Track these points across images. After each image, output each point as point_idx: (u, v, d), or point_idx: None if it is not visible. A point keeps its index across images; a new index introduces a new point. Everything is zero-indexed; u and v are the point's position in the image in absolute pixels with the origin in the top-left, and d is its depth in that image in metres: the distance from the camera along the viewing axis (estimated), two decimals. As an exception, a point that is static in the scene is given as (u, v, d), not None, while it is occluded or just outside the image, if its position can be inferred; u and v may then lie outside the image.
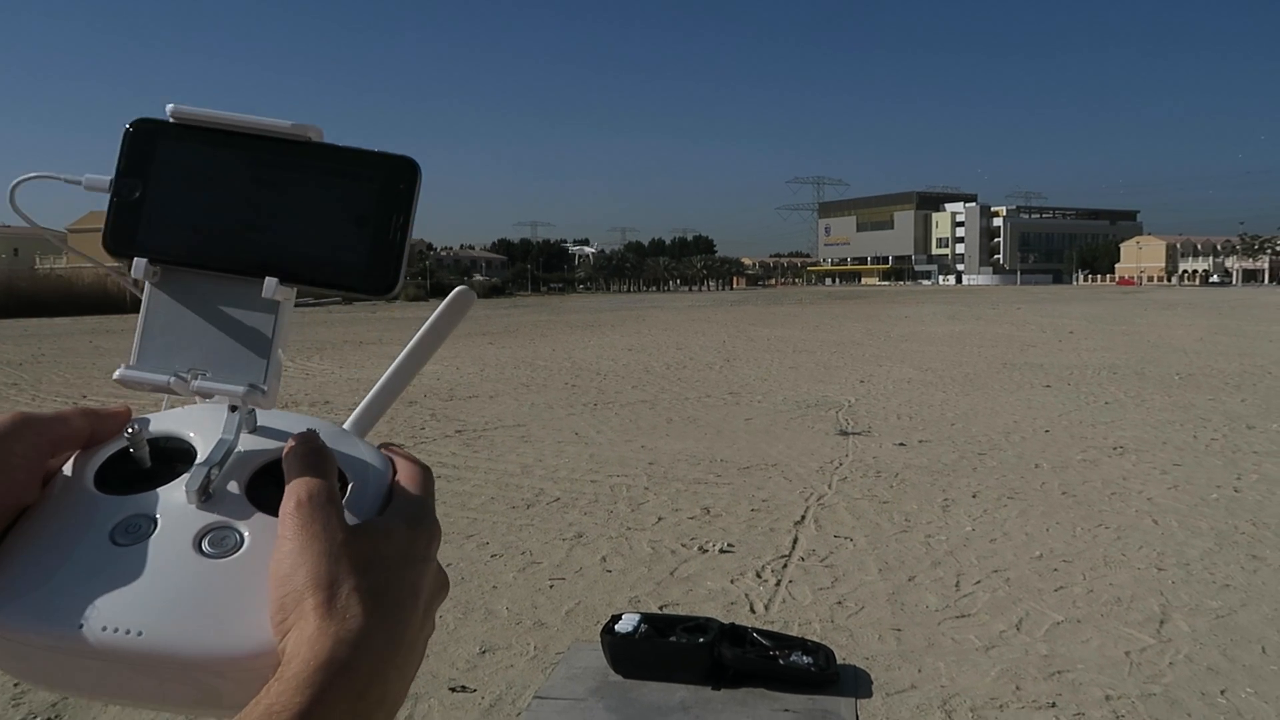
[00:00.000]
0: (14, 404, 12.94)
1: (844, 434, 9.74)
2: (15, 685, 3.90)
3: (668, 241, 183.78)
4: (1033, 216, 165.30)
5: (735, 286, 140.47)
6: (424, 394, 13.55)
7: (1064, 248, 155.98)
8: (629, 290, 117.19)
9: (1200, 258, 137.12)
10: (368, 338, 27.76)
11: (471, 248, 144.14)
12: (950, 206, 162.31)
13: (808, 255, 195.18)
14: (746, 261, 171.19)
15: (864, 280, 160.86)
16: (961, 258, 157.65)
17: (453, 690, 3.80)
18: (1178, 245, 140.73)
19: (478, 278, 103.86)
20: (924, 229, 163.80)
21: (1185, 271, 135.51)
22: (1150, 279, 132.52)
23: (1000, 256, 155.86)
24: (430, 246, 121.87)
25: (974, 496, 6.98)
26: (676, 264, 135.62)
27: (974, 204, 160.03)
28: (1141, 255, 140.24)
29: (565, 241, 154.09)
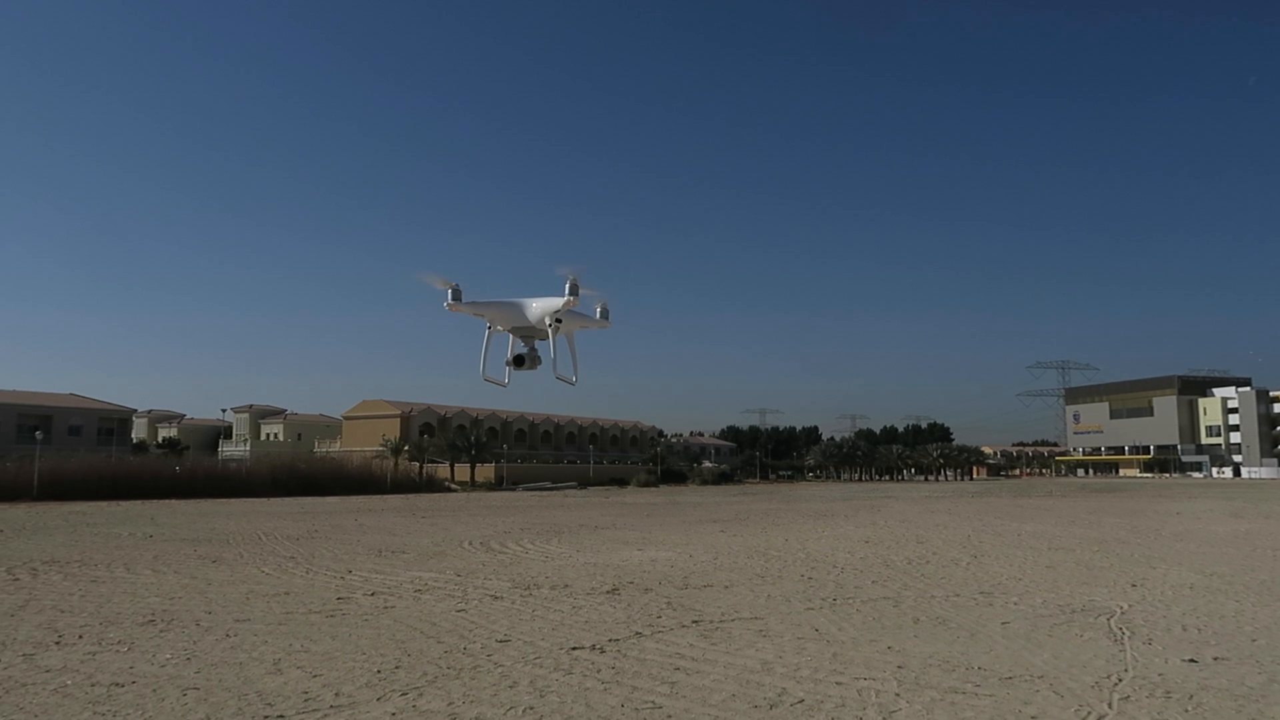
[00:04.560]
0: (291, 576, 14.11)
1: (1120, 645, 8.72)
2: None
3: (900, 429, 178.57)
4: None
5: (975, 476, 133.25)
6: (659, 581, 13.54)
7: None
8: (860, 479, 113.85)
9: None
10: (602, 523, 28.41)
11: (701, 434, 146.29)
12: (1219, 391, 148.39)
13: (1055, 444, 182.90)
14: (986, 450, 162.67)
15: (1122, 471, 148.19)
16: (1238, 447, 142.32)
17: None
18: None
19: (706, 464, 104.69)
20: (1189, 416, 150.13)
21: None
22: None
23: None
24: (661, 433, 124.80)
25: (1294, 729, 5.96)
26: (911, 452, 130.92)
27: (1248, 388, 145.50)
28: None
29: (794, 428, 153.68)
